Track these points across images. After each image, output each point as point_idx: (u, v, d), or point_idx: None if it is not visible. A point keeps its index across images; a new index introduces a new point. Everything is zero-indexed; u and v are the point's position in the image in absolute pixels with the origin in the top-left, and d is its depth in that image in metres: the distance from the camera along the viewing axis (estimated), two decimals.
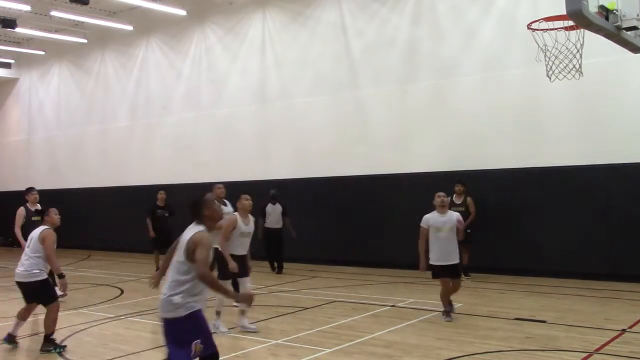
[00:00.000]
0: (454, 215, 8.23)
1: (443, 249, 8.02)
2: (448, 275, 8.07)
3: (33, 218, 10.85)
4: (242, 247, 7.94)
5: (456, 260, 8.14)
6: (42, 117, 22.30)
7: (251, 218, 8.08)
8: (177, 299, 4.47)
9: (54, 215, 7.42)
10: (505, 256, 11.80)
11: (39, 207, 11.16)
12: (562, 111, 11.52)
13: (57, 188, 20.31)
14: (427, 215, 8.19)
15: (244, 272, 7.92)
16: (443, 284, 8.07)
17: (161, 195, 14.05)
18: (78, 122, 20.79)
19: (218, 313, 7.82)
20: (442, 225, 8.05)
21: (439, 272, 8.08)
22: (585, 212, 11.08)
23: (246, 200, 7.95)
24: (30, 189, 11.32)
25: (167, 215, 13.83)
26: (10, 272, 14.28)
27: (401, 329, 7.85)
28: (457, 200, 11.70)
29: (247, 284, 7.97)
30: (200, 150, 17.16)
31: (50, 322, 7.20)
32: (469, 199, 11.60)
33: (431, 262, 8.06)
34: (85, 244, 19.32)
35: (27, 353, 7.35)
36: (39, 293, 7.21)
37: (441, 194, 8.32)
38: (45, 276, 7.18)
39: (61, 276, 7.20)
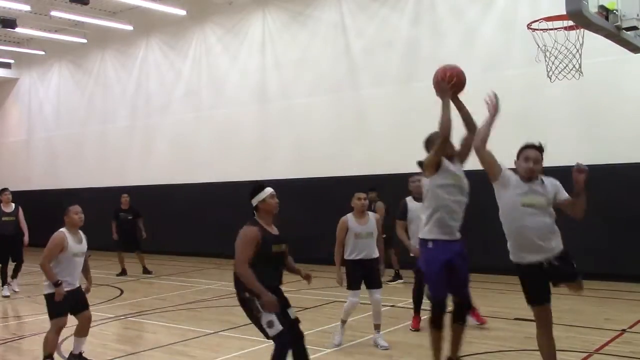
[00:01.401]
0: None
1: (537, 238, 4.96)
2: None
3: (4, 218, 11.31)
4: (358, 250, 7.02)
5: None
6: (41, 117, 22.30)
7: (371, 217, 7.15)
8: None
9: (73, 215, 6.32)
10: (505, 256, 11.73)
11: (12, 206, 11.48)
12: (562, 111, 11.52)
13: (57, 188, 20.32)
14: None
15: (372, 281, 7.02)
16: (540, 315, 5.10)
17: (124, 198, 14.18)
18: (78, 122, 20.79)
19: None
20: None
21: (534, 291, 5.09)
22: (585, 212, 11.06)
23: (358, 200, 7.18)
24: (3, 190, 11.59)
25: (130, 218, 13.94)
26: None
27: (401, 329, 7.84)
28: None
29: (375, 296, 7.03)
30: (200, 151, 17.16)
31: (45, 342, 6.22)
32: (379, 203, 11.57)
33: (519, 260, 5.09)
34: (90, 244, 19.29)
35: (26, 353, 7.34)
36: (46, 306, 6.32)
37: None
38: (52, 289, 6.13)
39: (57, 284, 6.08)
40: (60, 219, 6.46)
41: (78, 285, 6.38)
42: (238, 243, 4.75)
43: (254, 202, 4.95)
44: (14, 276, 11.53)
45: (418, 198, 7.50)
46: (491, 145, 12.08)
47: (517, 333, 7.36)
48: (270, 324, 4.71)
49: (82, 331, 6.45)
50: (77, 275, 6.36)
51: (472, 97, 14.35)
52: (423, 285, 7.45)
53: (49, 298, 6.14)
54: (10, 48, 21.25)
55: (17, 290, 11.49)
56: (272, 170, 15.45)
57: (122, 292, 11.55)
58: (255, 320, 4.80)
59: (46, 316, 6.24)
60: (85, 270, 6.61)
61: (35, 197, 20.66)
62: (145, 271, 13.86)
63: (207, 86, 17.27)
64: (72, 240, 6.24)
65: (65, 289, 6.14)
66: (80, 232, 6.43)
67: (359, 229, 7.08)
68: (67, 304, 6.18)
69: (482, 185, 11.09)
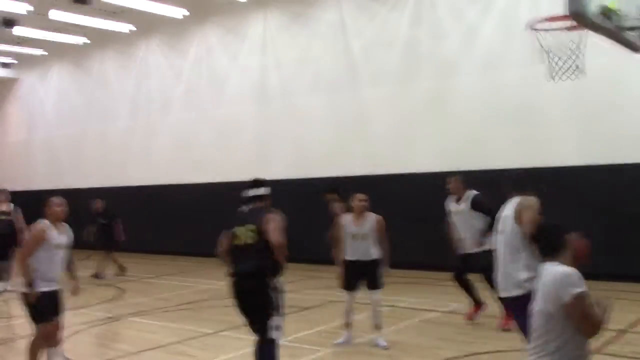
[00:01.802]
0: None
1: None
2: None
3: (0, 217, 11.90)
4: (353, 251, 7.05)
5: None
6: (42, 117, 22.29)
7: (369, 218, 7.10)
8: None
9: (56, 207, 5.82)
10: None
11: (10, 206, 11.96)
12: (562, 111, 11.52)
13: (57, 188, 20.29)
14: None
15: (370, 282, 7.07)
16: None
17: (98, 203, 14.11)
18: (78, 122, 20.79)
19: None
20: None
21: None
22: (585, 212, 11.06)
23: (358, 201, 7.09)
24: (0, 191, 12.12)
25: (103, 222, 13.76)
26: None
27: (401, 329, 7.84)
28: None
29: (373, 297, 7.10)
30: (200, 150, 17.16)
31: (30, 350, 5.71)
32: (338, 204, 11.36)
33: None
34: (85, 244, 19.27)
35: (24, 353, 7.34)
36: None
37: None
38: (29, 290, 5.56)
39: (29, 284, 5.56)
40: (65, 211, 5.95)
41: (59, 287, 5.82)
42: (278, 225, 5.12)
43: (266, 191, 5.54)
44: (7, 277, 11.73)
45: (456, 198, 8.02)
46: (491, 146, 12.04)
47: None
48: (278, 328, 4.89)
49: (52, 340, 5.78)
50: (58, 273, 5.79)
51: (473, 97, 14.39)
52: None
53: (31, 299, 5.58)
54: (10, 48, 21.22)
55: (9, 289, 11.55)
56: (271, 170, 15.41)
57: (122, 292, 11.55)
58: (265, 315, 4.95)
59: None
60: (69, 265, 6.07)
61: (35, 197, 20.60)
62: (97, 276, 13.35)
63: (207, 86, 17.26)
64: (54, 231, 5.75)
65: (45, 289, 5.59)
66: (65, 225, 5.93)
67: (354, 230, 7.08)
68: (53, 305, 5.68)
69: (486, 187, 11.10)
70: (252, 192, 5.51)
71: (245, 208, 5.44)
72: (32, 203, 14.29)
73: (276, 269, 5.11)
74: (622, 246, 10.72)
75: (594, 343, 6.69)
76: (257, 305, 5.05)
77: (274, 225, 5.06)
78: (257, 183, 5.62)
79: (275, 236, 5.01)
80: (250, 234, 5.15)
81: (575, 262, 3.62)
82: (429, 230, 11.95)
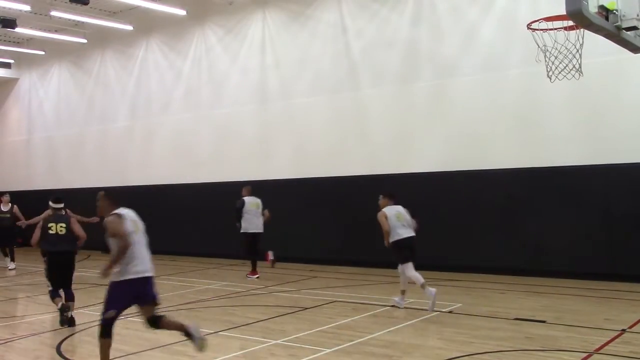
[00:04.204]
0: None
1: None
2: None
3: (0, 215, 14.82)
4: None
5: None
6: (42, 117, 22.30)
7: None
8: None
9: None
10: (505, 256, 11.80)
11: (9, 206, 14.93)
12: (562, 111, 11.52)
13: (57, 188, 20.29)
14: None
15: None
16: None
17: (4, 198, 15.42)
18: (78, 122, 20.79)
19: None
20: None
21: None
22: (585, 212, 11.08)
23: None
24: (3, 193, 14.72)
25: (8, 216, 15.08)
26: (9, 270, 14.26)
27: (401, 329, 7.84)
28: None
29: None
30: (199, 150, 17.16)
31: None
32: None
33: None
34: (85, 244, 19.26)
35: (24, 353, 7.35)
36: None
37: None
38: None
39: None
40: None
41: None
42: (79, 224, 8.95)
43: (63, 203, 8.80)
44: (12, 258, 14.99)
45: None
46: (492, 145, 12.10)
47: (517, 333, 7.36)
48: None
49: None
50: None
51: (473, 97, 14.37)
52: None
53: None
54: (10, 48, 21.24)
55: (13, 267, 14.92)
56: (272, 170, 15.45)
57: None
58: (70, 276, 8.84)
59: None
60: None
61: (35, 197, 20.62)
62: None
63: (207, 86, 17.27)
64: None
65: None
66: None
67: None
68: None
69: (486, 187, 11.18)
70: (57, 206, 8.74)
71: (55, 212, 8.71)
72: (32, 203, 14.33)
73: (76, 250, 8.81)
74: (622, 246, 10.73)
75: (594, 343, 6.71)
76: (68, 270, 8.68)
77: (78, 225, 8.84)
78: (59, 200, 8.81)
79: (80, 231, 8.77)
80: (62, 229, 8.59)
81: None
82: (428, 230, 11.96)
